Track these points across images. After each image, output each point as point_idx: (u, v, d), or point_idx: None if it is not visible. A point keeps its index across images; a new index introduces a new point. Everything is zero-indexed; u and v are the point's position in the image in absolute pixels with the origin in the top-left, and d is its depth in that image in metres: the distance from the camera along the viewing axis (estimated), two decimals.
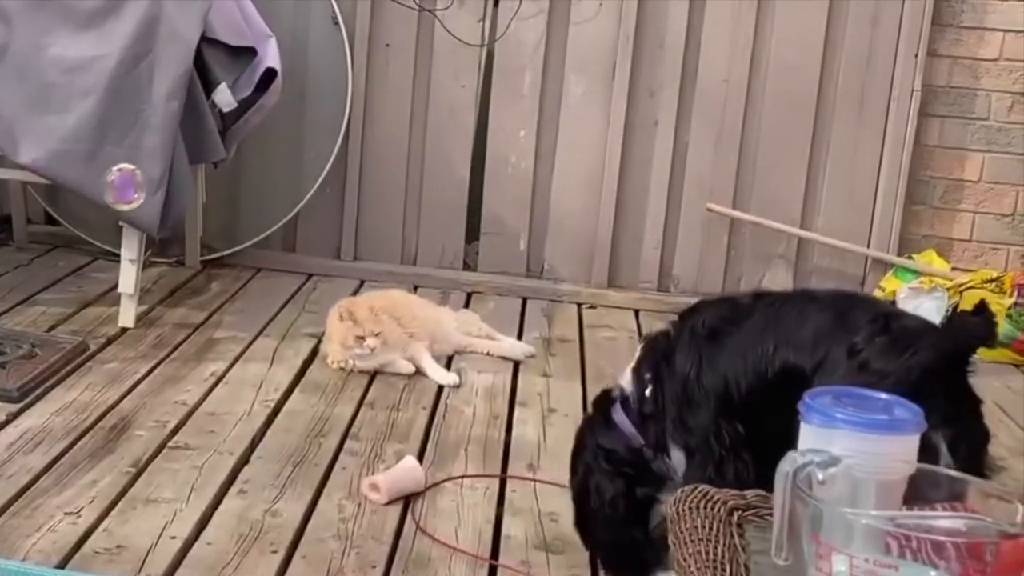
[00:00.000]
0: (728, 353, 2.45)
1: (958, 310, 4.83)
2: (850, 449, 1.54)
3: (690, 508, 2.04)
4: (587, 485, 2.62)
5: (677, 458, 2.53)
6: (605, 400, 2.67)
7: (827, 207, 5.27)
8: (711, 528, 1.88)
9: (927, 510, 1.48)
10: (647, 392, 2.56)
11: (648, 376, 2.57)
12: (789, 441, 1.97)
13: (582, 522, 2.70)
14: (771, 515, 1.59)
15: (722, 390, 2.44)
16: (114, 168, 3.67)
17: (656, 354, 2.57)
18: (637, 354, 2.65)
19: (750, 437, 2.43)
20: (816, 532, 1.43)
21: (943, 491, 1.48)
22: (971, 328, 2.29)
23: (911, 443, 1.56)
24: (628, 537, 2.59)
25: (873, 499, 1.50)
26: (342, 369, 3.97)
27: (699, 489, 1.99)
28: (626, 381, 2.62)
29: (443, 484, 3.17)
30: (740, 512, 1.98)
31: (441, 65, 5.23)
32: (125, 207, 3.85)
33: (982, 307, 2.33)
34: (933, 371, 2.20)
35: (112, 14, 4.09)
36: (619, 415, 2.60)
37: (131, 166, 3.77)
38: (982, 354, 4.78)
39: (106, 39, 4.07)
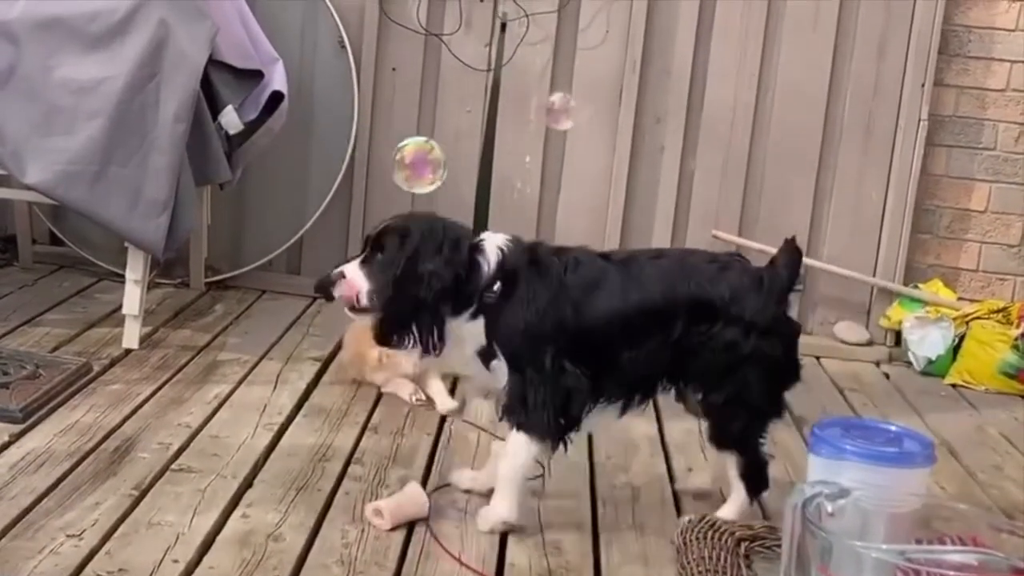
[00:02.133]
0: (600, 302, 2.99)
1: None
2: (859, 481, 1.53)
3: (697, 538, 2.03)
4: (424, 266, 2.93)
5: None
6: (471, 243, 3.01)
7: (833, 235, 5.26)
8: (719, 559, 1.88)
9: (937, 544, 1.47)
10: (496, 288, 2.95)
11: (500, 281, 2.95)
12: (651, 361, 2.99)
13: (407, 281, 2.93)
14: (779, 546, 1.58)
15: (575, 329, 2.96)
16: (399, 145, 3.12)
17: (524, 265, 2.99)
18: (503, 241, 3.00)
19: (597, 368, 2.99)
20: (825, 564, 1.42)
21: (954, 525, 1.48)
22: (794, 253, 3.11)
23: (921, 476, 1.56)
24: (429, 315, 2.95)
25: (883, 532, 1.49)
26: (355, 382, 4.02)
27: (706, 519, 1.99)
28: (493, 250, 2.98)
29: (447, 511, 3.15)
30: (748, 543, 1.97)
31: (447, 90, 5.25)
32: (423, 188, 3.24)
33: (791, 240, 3.14)
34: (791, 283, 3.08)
35: (120, 36, 4.10)
36: (482, 259, 2.96)
37: (421, 138, 3.16)
38: (989, 384, 4.79)
39: (114, 61, 4.08)
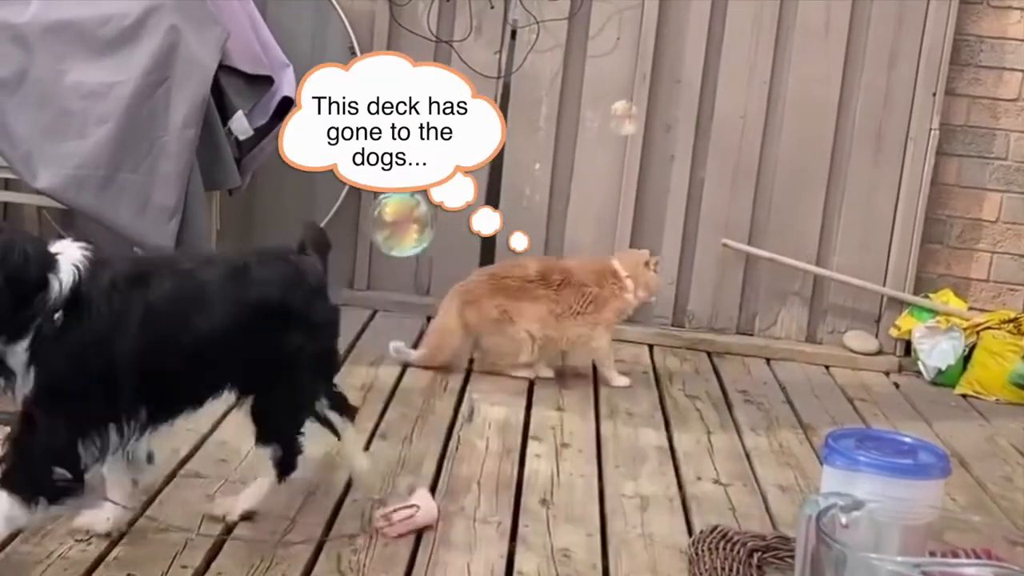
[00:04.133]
0: (181, 332, 2.72)
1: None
2: (874, 493, 1.52)
3: (710, 549, 2.03)
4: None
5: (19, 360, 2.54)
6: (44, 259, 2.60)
7: (843, 244, 5.25)
8: (731, 570, 1.87)
9: (951, 557, 1.46)
10: (58, 317, 2.55)
11: (65, 309, 2.56)
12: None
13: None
14: (792, 558, 1.57)
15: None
16: (380, 199, 2.70)
17: (100, 292, 2.62)
18: (81, 257, 2.63)
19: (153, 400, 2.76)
20: None
21: (968, 537, 1.47)
22: (319, 234, 3.21)
23: (936, 487, 1.55)
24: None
25: (897, 544, 1.48)
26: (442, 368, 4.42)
27: (718, 529, 1.99)
28: (68, 270, 2.59)
29: (455, 518, 3.14)
30: (760, 554, 1.96)
31: None
32: (405, 250, 3.10)
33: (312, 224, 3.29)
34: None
35: (130, 41, 4.10)
36: (54, 279, 2.57)
37: (405, 194, 2.97)
38: (999, 395, 4.75)
39: (124, 66, 4.07)
